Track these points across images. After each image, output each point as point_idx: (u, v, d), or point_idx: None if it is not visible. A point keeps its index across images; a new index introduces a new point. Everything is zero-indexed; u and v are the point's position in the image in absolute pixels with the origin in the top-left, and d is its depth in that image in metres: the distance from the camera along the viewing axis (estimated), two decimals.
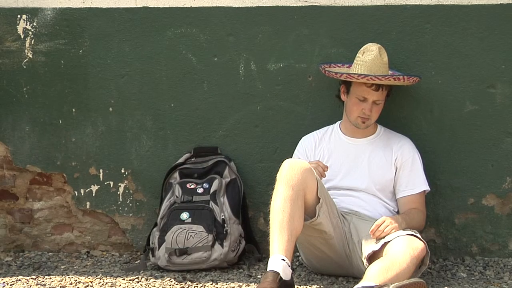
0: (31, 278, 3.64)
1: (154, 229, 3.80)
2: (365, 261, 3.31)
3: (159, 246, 3.70)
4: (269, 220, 3.27)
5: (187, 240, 3.64)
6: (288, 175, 3.29)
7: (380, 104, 3.59)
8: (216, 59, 3.91)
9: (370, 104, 3.55)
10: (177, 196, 3.77)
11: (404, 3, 3.77)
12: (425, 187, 3.62)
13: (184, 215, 3.71)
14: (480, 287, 3.44)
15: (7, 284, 3.55)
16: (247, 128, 3.93)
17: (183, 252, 3.64)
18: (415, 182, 3.61)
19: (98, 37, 3.96)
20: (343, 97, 3.65)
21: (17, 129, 4.04)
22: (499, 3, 3.72)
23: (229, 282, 3.53)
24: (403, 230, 3.35)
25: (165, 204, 3.80)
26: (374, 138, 3.68)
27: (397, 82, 3.56)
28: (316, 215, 3.33)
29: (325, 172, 3.43)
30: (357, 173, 3.61)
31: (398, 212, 3.61)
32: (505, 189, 3.78)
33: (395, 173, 3.61)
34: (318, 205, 3.33)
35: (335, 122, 3.76)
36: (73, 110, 4.01)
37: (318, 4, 3.82)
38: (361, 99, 3.55)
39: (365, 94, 3.54)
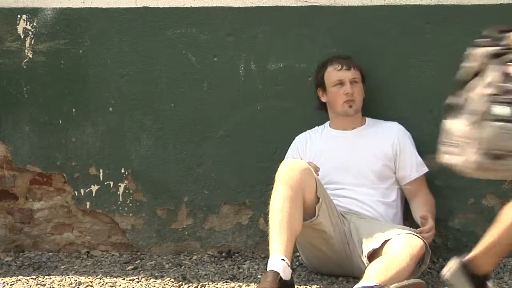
0: (31, 278, 3.64)
1: None
2: (365, 259, 3.30)
3: None
4: (268, 220, 3.28)
5: None
6: (287, 175, 3.29)
7: (359, 83, 3.65)
8: (216, 59, 3.91)
9: (349, 84, 3.62)
10: None
11: (404, 3, 3.77)
12: (426, 168, 3.66)
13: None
14: None
15: (7, 284, 3.55)
16: (247, 128, 3.93)
17: None
18: (417, 164, 3.64)
19: (98, 37, 3.96)
20: (324, 99, 3.71)
21: (17, 129, 4.04)
22: (499, 3, 3.72)
23: (229, 282, 3.53)
24: (402, 229, 3.36)
25: None
26: (364, 128, 3.71)
27: None
28: (316, 215, 3.33)
29: (317, 172, 3.44)
30: (351, 164, 3.61)
31: (394, 203, 3.62)
32: (505, 189, 3.78)
33: (396, 159, 3.62)
34: (317, 205, 3.33)
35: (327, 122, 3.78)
36: (73, 110, 4.01)
37: (318, 4, 3.82)
38: (338, 83, 3.63)
39: (339, 77, 3.63)
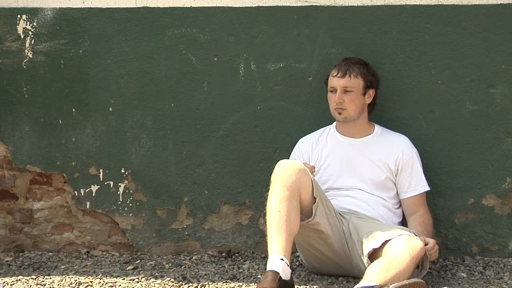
0: (31, 278, 3.64)
1: None
2: (366, 258, 3.30)
3: None
4: (266, 221, 3.28)
5: None
6: (283, 175, 3.29)
7: (353, 92, 3.60)
8: (216, 59, 3.91)
9: (339, 93, 3.59)
10: None
11: (404, 3, 3.77)
12: (427, 187, 3.65)
13: None
14: (480, 287, 3.44)
15: (7, 284, 3.55)
16: (247, 128, 3.93)
17: None
18: (417, 182, 3.63)
19: (98, 37, 3.96)
20: None
21: (17, 129, 4.04)
22: (499, 3, 3.72)
23: (229, 282, 3.53)
24: (402, 229, 3.36)
25: None
26: (372, 138, 3.68)
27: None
28: (313, 215, 3.33)
29: (313, 172, 3.43)
30: (355, 173, 3.61)
31: (398, 210, 3.62)
32: (505, 189, 3.78)
33: (397, 174, 3.62)
34: (314, 205, 3.33)
35: (333, 123, 3.77)
36: (73, 110, 4.01)
37: (318, 4, 3.82)
38: (332, 90, 3.62)
39: (333, 84, 3.61)
